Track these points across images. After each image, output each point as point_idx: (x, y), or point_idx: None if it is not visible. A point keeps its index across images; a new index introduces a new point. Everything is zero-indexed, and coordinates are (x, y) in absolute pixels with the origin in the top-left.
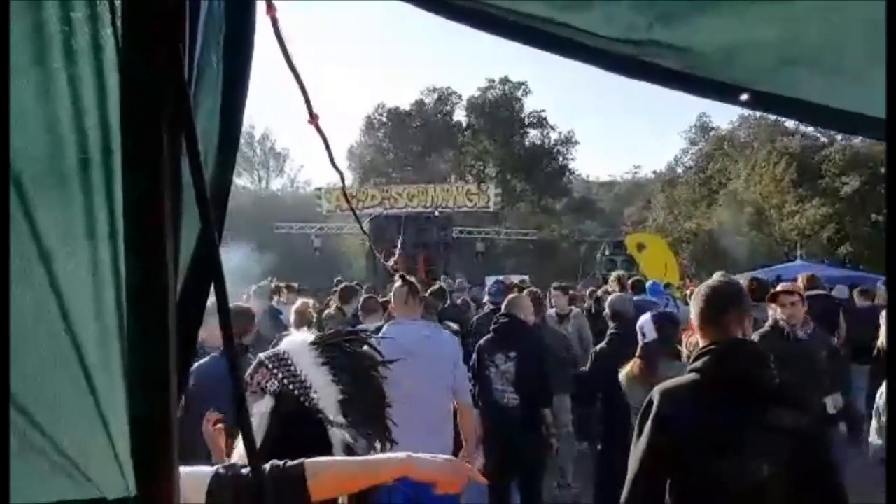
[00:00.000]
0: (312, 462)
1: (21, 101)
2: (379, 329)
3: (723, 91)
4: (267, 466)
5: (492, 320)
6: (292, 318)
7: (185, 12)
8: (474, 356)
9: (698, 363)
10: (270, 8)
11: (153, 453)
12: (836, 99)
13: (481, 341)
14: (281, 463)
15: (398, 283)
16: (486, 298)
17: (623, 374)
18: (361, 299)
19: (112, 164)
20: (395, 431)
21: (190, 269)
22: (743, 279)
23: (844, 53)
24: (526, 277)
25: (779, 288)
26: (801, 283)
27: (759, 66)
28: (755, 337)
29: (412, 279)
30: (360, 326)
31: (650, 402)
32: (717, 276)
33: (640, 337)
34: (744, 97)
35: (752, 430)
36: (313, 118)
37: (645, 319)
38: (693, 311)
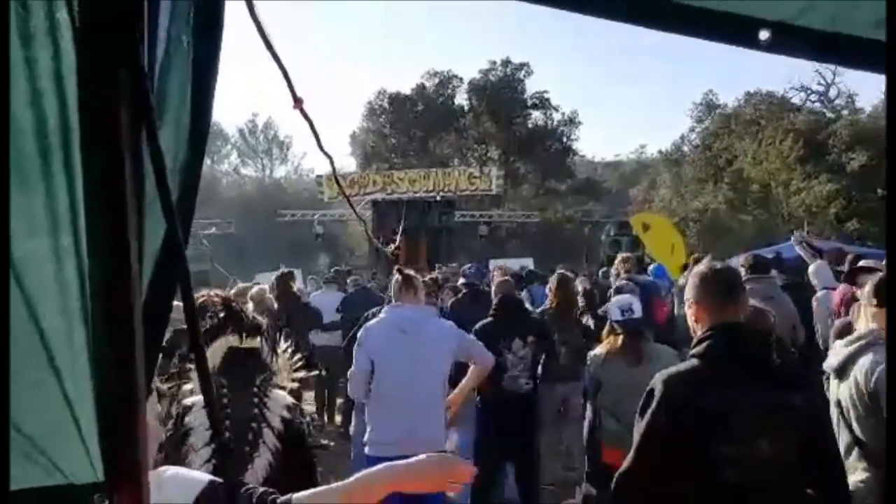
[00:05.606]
0: (300, 497)
1: None
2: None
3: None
4: (258, 491)
5: (473, 301)
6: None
7: None
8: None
9: (703, 347)
10: None
11: (120, 438)
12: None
13: (485, 325)
14: (269, 497)
15: (396, 275)
16: (460, 281)
17: (599, 352)
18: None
19: (71, 146)
20: (388, 407)
21: (157, 261)
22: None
23: None
24: (530, 260)
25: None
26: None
27: None
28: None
29: (410, 271)
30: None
31: (652, 389)
32: (706, 261)
33: (616, 315)
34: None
35: (758, 414)
36: (298, 102)
37: (630, 298)
38: (701, 292)
